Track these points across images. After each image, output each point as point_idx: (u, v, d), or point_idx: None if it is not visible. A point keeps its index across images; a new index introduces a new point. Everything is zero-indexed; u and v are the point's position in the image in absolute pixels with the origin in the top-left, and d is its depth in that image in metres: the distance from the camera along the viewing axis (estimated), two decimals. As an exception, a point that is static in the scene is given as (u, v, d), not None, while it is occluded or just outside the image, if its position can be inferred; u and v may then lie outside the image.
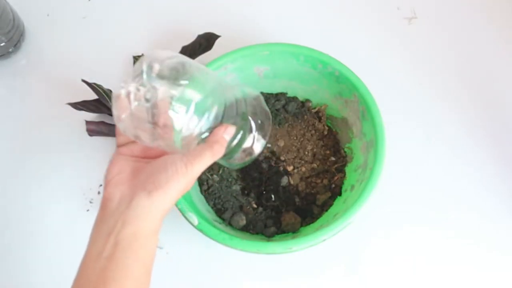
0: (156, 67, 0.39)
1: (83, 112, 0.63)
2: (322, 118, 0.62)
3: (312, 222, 0.56)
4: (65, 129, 0.66)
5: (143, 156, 0.44)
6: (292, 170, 0.60)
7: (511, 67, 0.68)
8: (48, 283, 0.59)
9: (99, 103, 0.63)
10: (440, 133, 0.65)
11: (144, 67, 0.39)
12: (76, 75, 0.65)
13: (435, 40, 0.70)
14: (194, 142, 0.41)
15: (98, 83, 0.62)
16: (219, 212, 0.57)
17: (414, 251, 0.59)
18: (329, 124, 0.62)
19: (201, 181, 0.59)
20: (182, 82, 0.39)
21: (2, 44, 0.67)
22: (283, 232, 0.56)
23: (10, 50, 0.69)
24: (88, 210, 0.62)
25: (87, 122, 0.62)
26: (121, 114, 0.39)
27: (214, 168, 0.59)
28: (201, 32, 0.66)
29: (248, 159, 0.46)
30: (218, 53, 0.58)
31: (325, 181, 0.59)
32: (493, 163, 0.63)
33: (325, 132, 0.62)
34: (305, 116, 0.62)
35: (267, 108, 0.47)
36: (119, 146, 0.45)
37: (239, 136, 0.44)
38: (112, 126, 0.62)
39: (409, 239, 0.59)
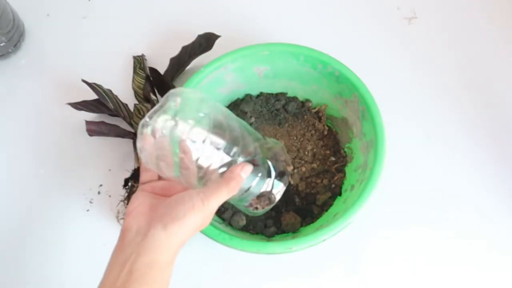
0: (178, 100, 0.42)
1: (83, 112, 0.64)
2: (322, 118, 0.62)
3: (312, 222, 0.56)
4: (65, 129, 0.66)
5: (163, 194, 0.46)
6: (292, 170, 0.59)
7: (511, 67, 0.68)
8: (45, 283, 0.59)
9: (99, 103, 0.63)
10: (440, 133, 0.65)
11: (168, 101, 0.42)
12: (76, 75, 0.65)
13: (435, 40, 0.70)
14: (212, 177, 0.44)
15: (98, 83, 0.62)
16: (219, 212, 0.57)
17: (414, 251, 0.59)
18: (329, 124, 0.62)
19: (201, 181, 0.59)
20: (201, 114, 0.43)
21: (2, 44, 0.67)
22: (283, 232, 0.56)
23: (10, 50, 0.69)
24: (88, 210, 0.62)
25: (87, 122, 0.62)
26: (144, 145, 0.42)
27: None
28: (201, 32, 0.66)
29: (268, 207, 0.49)
30: (218, 53, 0.58)
31: (325, 181, 0.59)
32: (493, 163, 0.63)
33: (325, 132, 0.62)
34: (305, 116, 0.62)
35: (288, 156, 0.50)
36: (142, 183, 0.47)
37: (257, 179, 0.47)
38: (112, 126, 0.62)
39: (409, 239, 0.59)
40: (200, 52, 0.65)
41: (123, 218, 0.58)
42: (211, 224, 0.51)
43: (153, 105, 0.61)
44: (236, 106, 0.63)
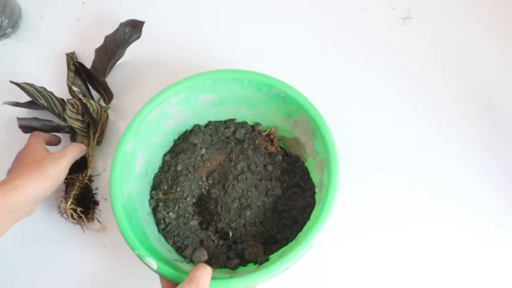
0: None
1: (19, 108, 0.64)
2: (274, 140, 0.61)
3: (276, 249, 0.55)
4: None
5: None
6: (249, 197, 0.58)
7: (507, 66, 0.67)
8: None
9: (33, 104, 0.63)
10: (437, 134, 0.64)
11: None
12: (18, 77, 0.63)
13: (430, 40, 0.69)
14: None
15: (42, 83, 0.63)
16: (180, 250, 0.55)
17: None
18: (282, 145, 0.62)
19: (157, 220, 0.57)
20: None
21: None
22: (247, 262, 0.55)
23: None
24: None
25: (19, 119, 0.62)
26: None
27: (169, 205, 0.57)
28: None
29: None
30: (162, 86, 0.56)
31: (284, 204, 0.58)
32: (493, 163, 0.62)
33: (279, 154, 0.61)
34: (257, 141, 0.61)
35: None
36: None
37: None
38: (46, 121, 0.63)
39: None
40: (130, 41, 0.65)
41: (65, 213, 0.58)
42: (171, 266, 0.49)
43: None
44: (185, 138, 0.61)
